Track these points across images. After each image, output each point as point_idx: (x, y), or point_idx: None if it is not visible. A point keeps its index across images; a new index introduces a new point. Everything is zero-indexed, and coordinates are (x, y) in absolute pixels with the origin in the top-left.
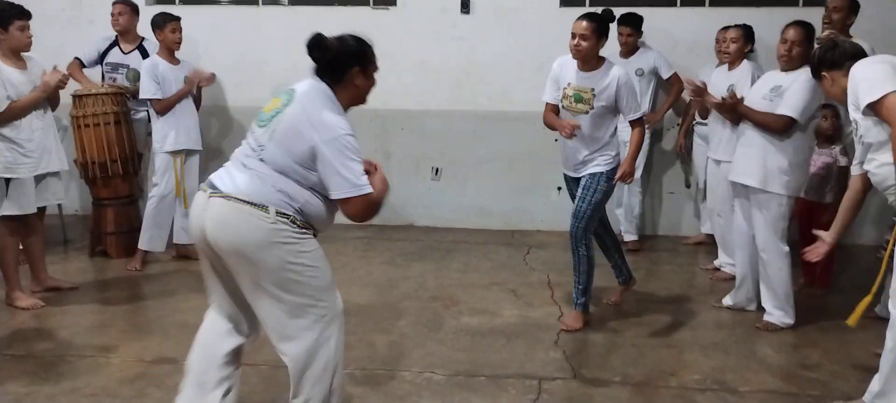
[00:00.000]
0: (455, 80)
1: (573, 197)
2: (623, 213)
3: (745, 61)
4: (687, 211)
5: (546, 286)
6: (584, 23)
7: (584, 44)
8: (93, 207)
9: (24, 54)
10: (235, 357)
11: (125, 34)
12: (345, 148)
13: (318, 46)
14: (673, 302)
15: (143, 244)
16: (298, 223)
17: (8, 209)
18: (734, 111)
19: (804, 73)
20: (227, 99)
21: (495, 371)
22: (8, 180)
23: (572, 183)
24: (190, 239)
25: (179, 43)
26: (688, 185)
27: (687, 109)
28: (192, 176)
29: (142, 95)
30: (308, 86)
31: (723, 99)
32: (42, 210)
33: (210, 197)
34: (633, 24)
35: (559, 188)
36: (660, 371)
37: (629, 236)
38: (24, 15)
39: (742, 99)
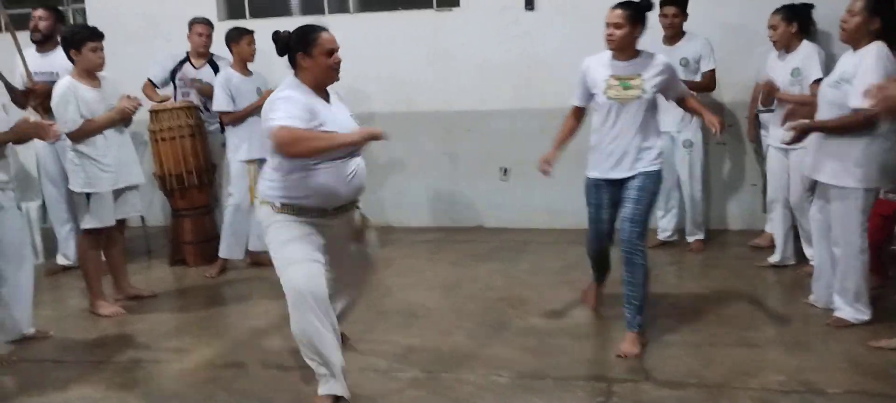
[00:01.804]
0: (520, 78)
1: (609, 205)
2: (689, 210)
3: (804, 42)
4: (753, 204)
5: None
6: (618, 10)
7: (617, 32)
8: (171, 218)
9: (98, 73)
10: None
11: (202, 52)
12: (271, 104)
13: (274, 41)
14: (746, 299)
15: (222, 252)
16: (276, 206)
17: (89, 222)
18: (809, 129)
19: (873, 50)
20: None
21: (562, 374)
22: (89, 195)
23: (609, 187)
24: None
25: (253, 55)
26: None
27: (753, 95)
28: None
29: (215, 108)
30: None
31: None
32: (122, 222)
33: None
34: (679, 4)
35: None
36: (738, 372)
37: (694, 236)
38: (96, 36)
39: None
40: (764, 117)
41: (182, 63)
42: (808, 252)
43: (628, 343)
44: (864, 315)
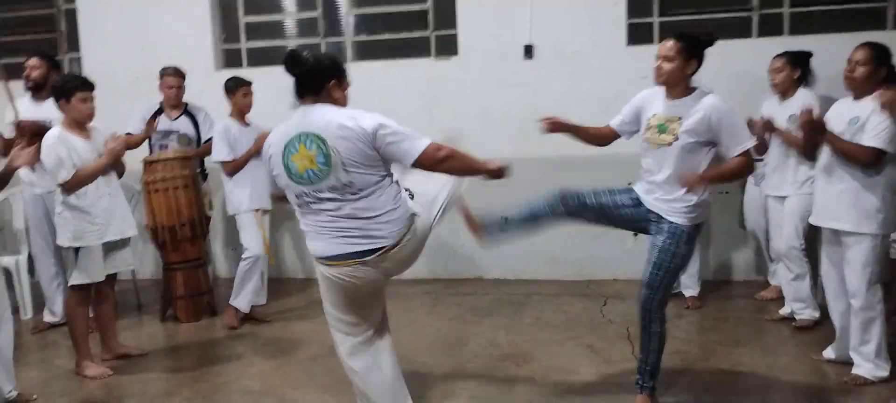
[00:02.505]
0: (519, 127)
1: (632, 222)
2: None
3: (801, 90)
4: (743, 254)
5: (626, 339)
6: (670, 42)
7: (666, 65)
8: (163, 271)
9: (89, 124)
10: None
11: (177, 103)
12: (391, 122)
13: (295, 61)
14: (762, 354)
15: (237, 303)
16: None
17: (77, 278)
18: (816, 133)
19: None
20: None
21: None
22: (77, 249)
23: (639, 207)
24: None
25: (250, 106)
26: (743, 226)
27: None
28: (266, 235)
29: (214, 157)
30: (309, 114)
31: (809, 116)
32: (112, 277)
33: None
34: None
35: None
36: None
37: (689, 291)
38: (87, 87)
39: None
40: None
41: (156, 114)
42: (772, 279)
43: None
44: (883, 371)
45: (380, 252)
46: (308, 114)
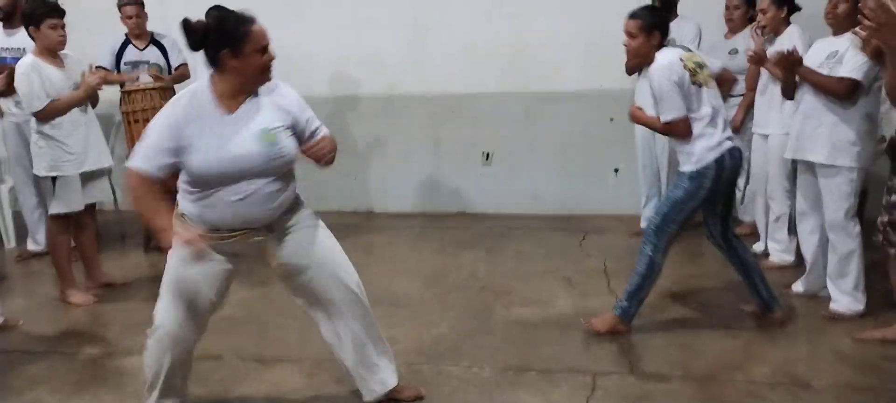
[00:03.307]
0: (505, 61)
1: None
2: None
3: (793, 27)
4: None
5: (602, 274)
6: (630, 21)
7: (632, 42)
8: None
9: (63, 53)
10: None
11: (140, 33)
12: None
13: (186, 31)
14: (730, 289)
15: None
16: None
17: (56, 208)
18: (792, 70)
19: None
20: None
21: (547, 366)
22: (54, 178)
23: None
24: None
25: None
26: None
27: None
28: None
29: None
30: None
31: (783, 54)
32: (92, 207)
33: None
34: None
35: (616, 170)
36: (724, 365)
37: None
38: (56, 13)
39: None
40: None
41: (124, 46)
42: (767, 245)
43: (599, 320)
44: (860, 305)
45: None
46: None
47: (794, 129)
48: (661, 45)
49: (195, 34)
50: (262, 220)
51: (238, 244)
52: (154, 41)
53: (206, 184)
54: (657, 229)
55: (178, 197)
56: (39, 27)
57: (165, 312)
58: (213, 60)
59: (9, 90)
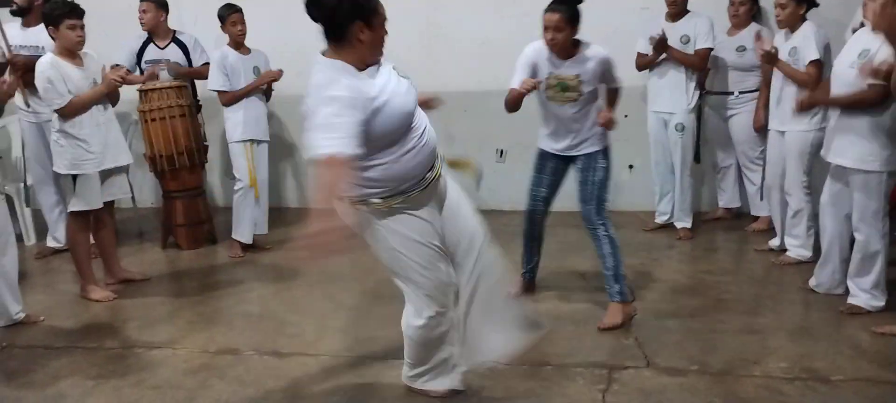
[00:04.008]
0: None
1: (551, 172)
2: (677, 196)
3: (808, 23)
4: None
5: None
6: (556, 15)
7: (559, 36)
8: (163, 200)
9: (82, 52)
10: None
11: (154, 31)
12: (315, 106)
13: (314, 4)
14: (747, 284)
15: (238, 236)
16: (375, 201)
17: (76, 205)
18: (818, 101)
19: None
20: (288, 87)
21: (563, 360)
22: (75, 177)
23: (556, 159)
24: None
25: (243, 35)
26: (697, 160)
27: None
28: (262, 166)
29: (211, 86)
30: (316, 68)
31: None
32: (111, 204)
33: None
34: None
35: (631, 166)
36: (741, 359)
37: (680, 223)
38: (75, 14)
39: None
40: (711, 100)
41: (146, 44)
42: (783, 240)
43: (610, 315)
44: (879, 302)
45: None
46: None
47: (828, 129)
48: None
49: (327, 6)
50: (430, 162)
51: (426, 193)
52: (175, 40)
53: (392, 141)
54: (599, 210)
55: (355, 191)
56: (58, 27)
57: (433, 296)
58: (342, 32)
59: (25, 84)
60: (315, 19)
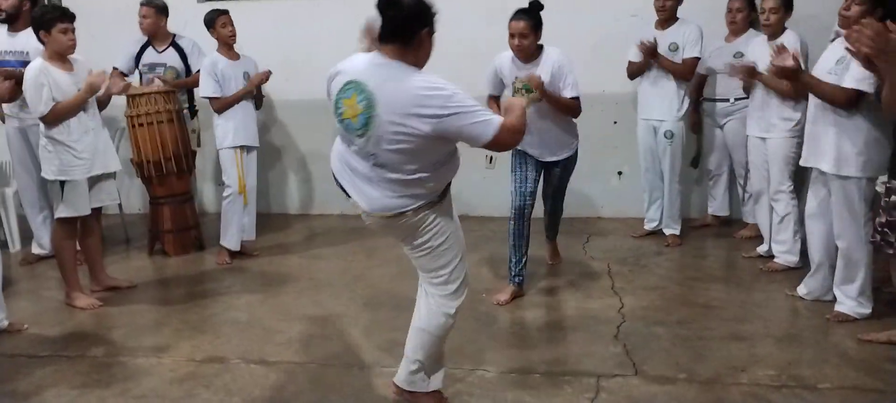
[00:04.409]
0: None
1: (534, 167)
2: (665, 203)
3: (788, 31)
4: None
5: (606, 275)
6: (522, 23)
7: (525, 42)
8: (150, 206)
9: (71, 57)
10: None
11: (154, 35)
12: (459, 109)
13: (392, 3)
14: (735, 291)
15: (225, 243)
16: (431, 201)
17: (63, 211)
18: (796, 78)
19: None
20: (277, 93)
21: (551, 368)
22: (63, 183)
23: (538, 165)
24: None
25: (233, 37)
26: (694, 165)
27: (696, 83)
28: (252, 173)
29: (202, 93)
30: (378, 70)
31: (786, 66)
32: (98, 211)
33: (367, 216)
34: None
35: (620, 172)
36: (729, 367)
37: (669, 229)
38: (67, 18)
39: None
40: (708, 107)
41: (144, 47)
42: (770, 247)
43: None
44: (865, 309)
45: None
46: (385, 82)
47: (806, 135)
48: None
49: (403, 7)
50: None
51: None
52: (174, 44)
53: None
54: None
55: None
56: (50, 31)
57: (467, 282)
58: (411, 35)
59: (15, 95)
60: (388, 19)
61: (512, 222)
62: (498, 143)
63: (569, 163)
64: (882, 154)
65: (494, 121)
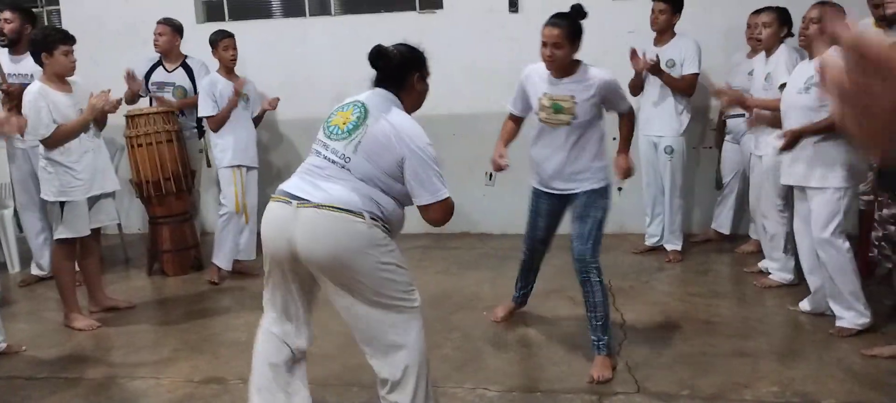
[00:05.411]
0: (506, 82)
1: (547, 214)
2: (666, 219)
3: (782, 46)
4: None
5: (608, 292)
6: (555, 30)
7: (557, 53)
8: (149, 226)
9: (69, 78)
10: (293, 367)
11: (167, 54)
12: (428, 158)
13: (382, 56)
14: (737, 306)
15: (218, 261)
16: (386, 228)
17: (63, 232)
18: (801, 136)
19: (834, 53)
20: (276, 113)
21: (553, 386)
22: (62, 204)
23: (551, 200)
24: (267, 251)
25: (234, 60)
26: (718, 186)
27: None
28: (252, 192)
29: (200, 113)
30: (380, 98)
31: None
32: (97, 231)
33: (297, 207)
34: (668, 0)
35: (620, 188)
36: (732, 383)
37: (670, 245)
38: (68, 40)
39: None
40: (731, 124)
41: (155, 66)
42: (768, 264)
43: (598, 367)
44: (865, 317)
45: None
46: (383, 106)
47: (785, 155)
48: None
49: (392, 58)
50: None
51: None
52: (184, 64)
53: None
54: (595, 252)
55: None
56: (53, 53)
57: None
58: (402, 80)
59: (18, 113)
60: (379, 69)
61: (523, 252)
62: (430, 212)
63: (590, 201)
64: (862, 162)
65: (444, 193)
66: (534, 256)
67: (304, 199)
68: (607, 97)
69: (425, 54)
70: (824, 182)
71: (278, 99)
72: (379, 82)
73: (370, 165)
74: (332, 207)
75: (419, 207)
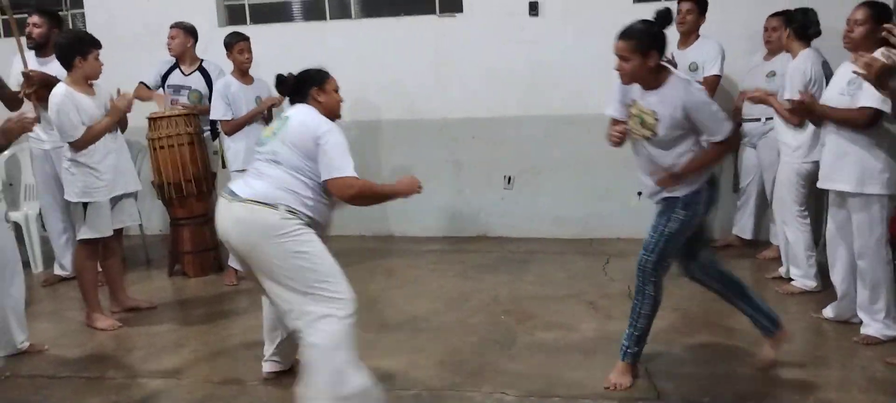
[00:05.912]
0: (525, 85)
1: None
2: None
3: (808, 50)
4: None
5: (627, 297)
6: (622, 42)
7: (626, 66)
8: (170, 227)
9: (92, 81)
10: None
11: (181, 57)
12: (334, 141)
13: (280, 81)
14: None
15: (232, 262)
16: (303, 220)
17: (86, 233)
18: (811, 112)
19: (879, 54)
20: None
21: (571, 391)
22: (86, 204)
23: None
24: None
25: (248, 62)
26: (736, 189)
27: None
28: None
29: (212, 116)
30: (297, 108)
31: (795, 100)
32: (119, 232)
33: (230, 202)
34: (695, 0)
35: (639, 193)
36: (754, 391)
37: None
38: (99, 45)
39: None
40: (747, 127)
41: (172, 69)
42: (791, 270)
43: (617, 373)
44: (892, 330)
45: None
46: (301, 109)
47: (823, 158)
48: (658, 66)
49: (287, 82)
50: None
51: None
52: (201, 68)
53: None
54: (655, 265)
55: (303, 203)
56: (86, 57)
57: (347, 289)
58: (304, 96)
59: (38, 99)
60: (284, 92)
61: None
62: (334, 187)
63: (665, 210)
64: None
65: (349, 169)
66: (643, 271)
67: (237, 195)
68: (693, 117)
69: (323, 71)
70: (864, 188)
71: (281, 97)
72: (292, 101)
73: (294, 153)
74: (251, 201)
75: (326, 183)
